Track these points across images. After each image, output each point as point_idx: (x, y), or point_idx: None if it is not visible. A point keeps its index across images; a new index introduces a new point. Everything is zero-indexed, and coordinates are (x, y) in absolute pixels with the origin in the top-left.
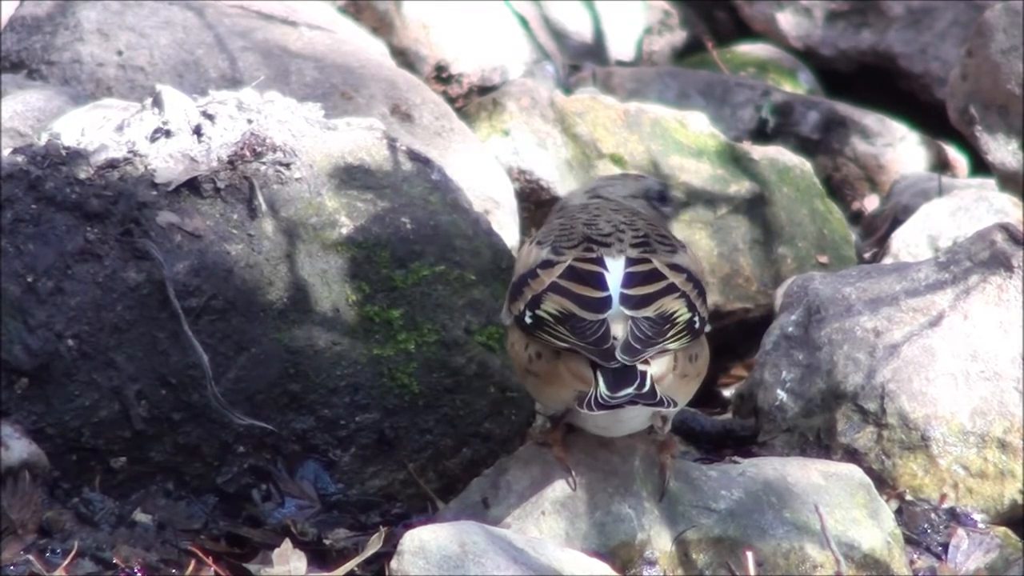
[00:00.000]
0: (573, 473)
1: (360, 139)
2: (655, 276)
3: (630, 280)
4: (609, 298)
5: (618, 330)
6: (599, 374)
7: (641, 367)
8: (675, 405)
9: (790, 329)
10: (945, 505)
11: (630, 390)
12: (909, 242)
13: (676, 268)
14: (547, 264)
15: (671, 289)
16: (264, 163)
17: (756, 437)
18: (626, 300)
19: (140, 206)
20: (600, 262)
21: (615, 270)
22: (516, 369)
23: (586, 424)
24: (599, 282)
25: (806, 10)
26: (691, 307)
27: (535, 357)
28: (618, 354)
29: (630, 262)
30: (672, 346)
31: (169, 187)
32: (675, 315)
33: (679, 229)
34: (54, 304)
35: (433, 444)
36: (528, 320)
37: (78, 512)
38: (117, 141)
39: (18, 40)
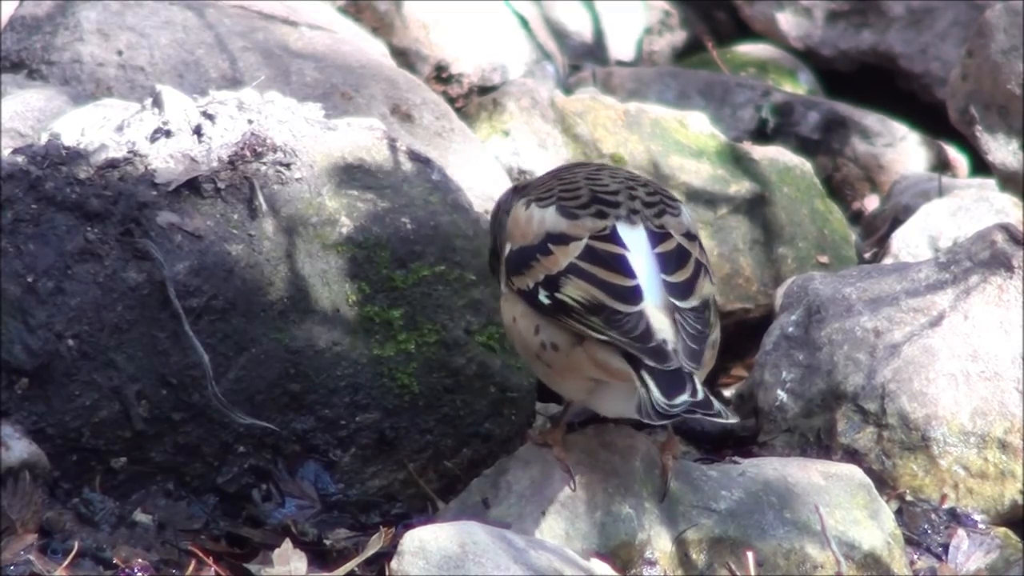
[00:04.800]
0: (573, 473)
1: (360, 139)
2: (683, 255)
3: (665, 264)
4: (638, 287)
5: (659, 322)
6: (646, 376)
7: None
8: (730, 418)
9: (790, 329)
10: (945, 505)
11: (685, 397)
12: (909, 242)
13: (689, 236)
14: (561, 239)
15: (699, 267)
16: (264, 163)
17: (756, 437)
18: (672, 289)
19: (140, 206)
20: (616, 238)
21: (635, 245)
22: (519, 348)
23: (599, 407)
24: (624, 267)
25: (806, 10)
26: (711, 280)
27: (549, 347)
28: (683, 360)
29: (654, 237)
30: (713, 335)
31: (169, 187)
32: (710, 298)
33: None
34: (54, 304)
35: (433, 444)
36: (545, 301)
37: (78, 512)
38: (117, 141)
39: (18, 40)
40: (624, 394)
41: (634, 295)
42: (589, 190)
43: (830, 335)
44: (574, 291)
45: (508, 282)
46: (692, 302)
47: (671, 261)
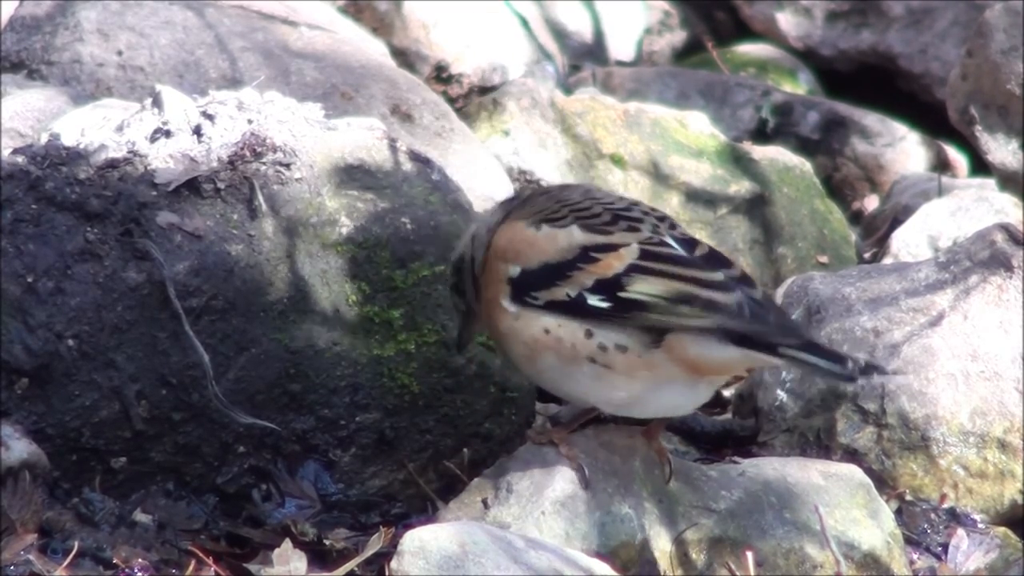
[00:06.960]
0: (586, 471)
1: (360, 139)
2: (718, 255)
3: (713, 262)
4: (728, 281)
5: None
6: (797, 354)
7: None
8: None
9: None
10: (945, 505)
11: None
12: (909, 242)
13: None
14: (607, 248)
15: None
16: (264, 163)
17: (756, 437)
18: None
19: (140, 206)
20: (669, 244)
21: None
22: (554, 358)
23: (646, 407)
24: (697, 264)
25: (806, 10)
26: None
27: (612, 349)
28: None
29: (685, 244)
30: None
31: (169, 187)
32: None
33: None
34: (54, 304)
35: (433, 444)
36: (601, 304)
37: (78, 512)
38: (117, 141)
39: (18, 40)
40: (683, 388)
41: (726, 286)
42: (604, 208)
43: (830, 335)
44: (649, 287)
45: (522, 300)
46: (755, 294)
47: (714, 261)
